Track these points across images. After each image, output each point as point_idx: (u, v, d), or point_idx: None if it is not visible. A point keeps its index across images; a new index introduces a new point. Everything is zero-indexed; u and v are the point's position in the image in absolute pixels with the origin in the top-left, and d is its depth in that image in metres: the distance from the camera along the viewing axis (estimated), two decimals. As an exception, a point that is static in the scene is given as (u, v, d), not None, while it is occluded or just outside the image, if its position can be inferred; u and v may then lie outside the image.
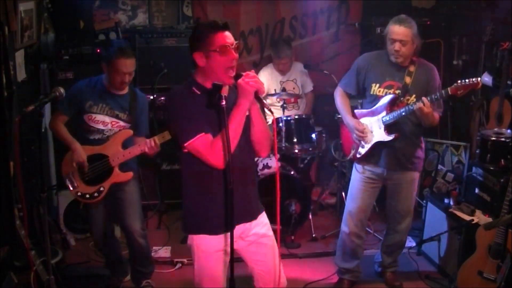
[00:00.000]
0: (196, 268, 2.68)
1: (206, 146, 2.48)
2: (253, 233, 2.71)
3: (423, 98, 3.32)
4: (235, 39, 2.52)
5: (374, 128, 3.61)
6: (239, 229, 2.63)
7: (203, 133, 2.48)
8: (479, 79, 3.22)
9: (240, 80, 2.47)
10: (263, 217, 2.77)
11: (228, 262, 2.58)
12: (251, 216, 2.70)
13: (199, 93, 2.54)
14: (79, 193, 3.52)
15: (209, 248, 2.61)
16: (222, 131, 2.47)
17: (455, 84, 3.26)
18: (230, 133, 2.43)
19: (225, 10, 5.55)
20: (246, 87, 2.45)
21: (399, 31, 3.41)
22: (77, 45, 4.65)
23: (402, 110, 3.45)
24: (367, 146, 3.63)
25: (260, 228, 2.73)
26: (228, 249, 2.53)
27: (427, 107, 3.29)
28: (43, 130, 4.46)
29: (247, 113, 2.54)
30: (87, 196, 3.51)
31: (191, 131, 2.48)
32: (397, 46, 3.42)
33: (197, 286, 2.70)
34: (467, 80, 3.22)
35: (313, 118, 4.94)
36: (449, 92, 3.27)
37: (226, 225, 2.56)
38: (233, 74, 2.49)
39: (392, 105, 3.52)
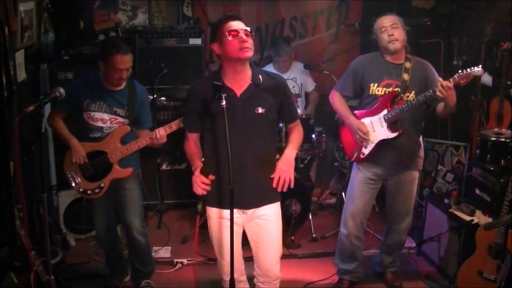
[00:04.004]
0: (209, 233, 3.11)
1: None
2: (252, 211, 2.98)
3: (439, 78, 3.32)
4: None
5: (376, 126, 3.60)
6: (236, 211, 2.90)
7: (190, 133, 3.01)
8: (480, 66, 3.23)
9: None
10: (270, 206, 3.01)
11: (240, 232, 3.01)
12: (248, 206, 2.96)
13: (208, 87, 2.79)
14: (81, 189, 3.59)
15: (213, 215, 3.02)
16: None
17: (457, 74, 3.26)
18: None
19: (225, 10, 5.54)
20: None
21: (386, 19, 3.56)
22: (77, 45, 4.65)
23: (404, 106, 3.46)
24: (371, 146, 3.62)
25: (260, 210, 2.98)
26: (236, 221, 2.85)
27: (447, 82, 3.24)
28: (43, 130, 4.46)
29: (260, 110, 2.84)
30: (89, 192, 3.57)
31: (185, 125, 3.07)
32: (390, 31, 3.50)
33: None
34: (468, 69, 3.24)
35: (313, 118, 4.94)
36: (452, 82, 3.27)
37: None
38: (248, 53, 2.71)
39: (392, 103, 3.53)
